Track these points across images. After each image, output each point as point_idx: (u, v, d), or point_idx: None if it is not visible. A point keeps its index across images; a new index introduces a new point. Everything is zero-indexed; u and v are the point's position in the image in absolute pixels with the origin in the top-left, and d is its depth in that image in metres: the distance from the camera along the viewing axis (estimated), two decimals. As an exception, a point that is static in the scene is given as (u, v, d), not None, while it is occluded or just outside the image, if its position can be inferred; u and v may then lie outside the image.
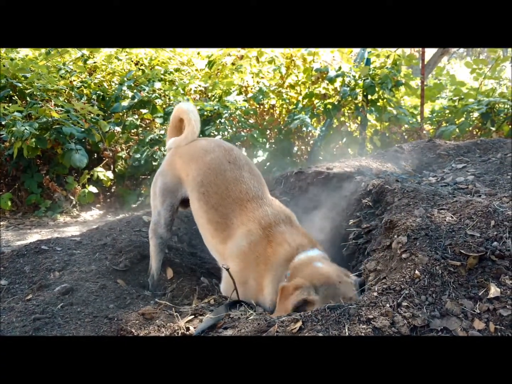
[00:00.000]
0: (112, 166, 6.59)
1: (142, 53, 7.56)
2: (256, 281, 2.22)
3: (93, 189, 6.11)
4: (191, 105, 2.80)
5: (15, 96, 6.26)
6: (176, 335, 1.97)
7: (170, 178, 2.63)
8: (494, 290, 1.67)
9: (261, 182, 2.51)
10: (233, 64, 7.22)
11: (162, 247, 2.64)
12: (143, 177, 6.69)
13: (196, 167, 2.49)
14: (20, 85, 6.20)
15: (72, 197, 6.14)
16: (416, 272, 1.79)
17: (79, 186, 6.13)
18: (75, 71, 7.00)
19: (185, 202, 2.65)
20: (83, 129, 5.98)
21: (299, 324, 1.67)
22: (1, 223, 5.50)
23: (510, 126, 6.30)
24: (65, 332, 1.93)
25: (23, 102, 6.20)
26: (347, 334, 1.59)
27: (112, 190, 6.82)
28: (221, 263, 2.39)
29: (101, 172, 6.13)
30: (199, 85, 7.13)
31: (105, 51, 7.38)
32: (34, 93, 6.22)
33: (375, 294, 1.77)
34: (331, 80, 6.67)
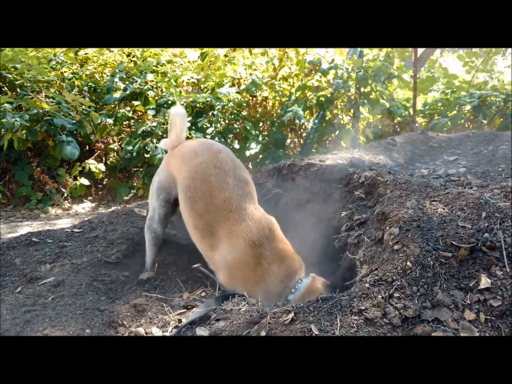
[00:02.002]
0: (104, 158, 6.54)
1: (134, 45, 7.47)
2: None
3: (84, 181, 6.07)
4: (179, 108, 2.88)
5: (5, 87, 6.18)
6: (168, 327, 1.98)
7: (165, 176, 2.67)
8: (485, 281, 1.68)
9: (246, 188, 2.46)
10: (225, 56, 7.18)
11: (156, 241, 2.64)
12: (135, 169, 6.65)
13: (186, 169, 2.50)
14: (10, 76, 6.12)
15: (63, 190, 6.09)
16: (408, 263, 1.80)
17: (70, 179, 6.08)
18: (66, 62, 6.91)
19: None
20: (74, 121, 5.92)
21: (291, 315, 1.67)
22: (-8, 215, 5.46)
23: (501, 119, 6.33)
24: (56, 324, 1.92)
25: (13, 93, 6.11)
26: (338, 325, 1.59)
27: (104, 182, 6.78)
28: (211, 265, 2.43)
29: (92, 164, 6.08)
30: (192, 77, 7.09)
31: (97, 42, 7.28)
32: (25, 84, 6.14)
33: (367, 285, 1.77)
34: (324, 73, 6.66)
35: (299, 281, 2.26)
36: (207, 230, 2.35)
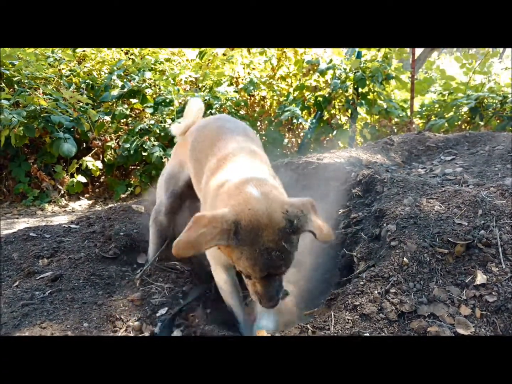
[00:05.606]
0: (101, 156, 6.53)
1: (132, 42, 7.46)
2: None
3: (81, 178, 6.06)
4: (199, 102, 2.66)
5: (3, 84, 6.16)
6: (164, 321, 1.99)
7: (173, 164, 2.59)
8: (480, 277, 1.69)
9: (252, 139, 2.23)
10: (224, 54, 7.20)
11: (160, 234, 2.60)
12: (132, 167, 6.64)
13: (192, 136, 2.37)
14: (7, 72, 6.10)
15: (60, 187, 6.08)
16: (405, 259, 1.81)
17: (67, 176, 6.07)
18: (64, 59, 6.90)
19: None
20: (71, 118, 5.92)
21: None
22: (-12, 212, 5.45)
23: (498, 121, 6.36)
24: (54, 318, 1.93)
25: (11, 89, 6.10)
26: (333, 321, 1.60)
27: (101, 180, 6.77)
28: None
29: (90, 162, 6.06)
30: (190, 76, 7.09)
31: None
32: (22, 80, 6.13)
33: (364, 281, 1.78)
34: (322, 73, 6.69)
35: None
36: (199, 169, 2.15)
